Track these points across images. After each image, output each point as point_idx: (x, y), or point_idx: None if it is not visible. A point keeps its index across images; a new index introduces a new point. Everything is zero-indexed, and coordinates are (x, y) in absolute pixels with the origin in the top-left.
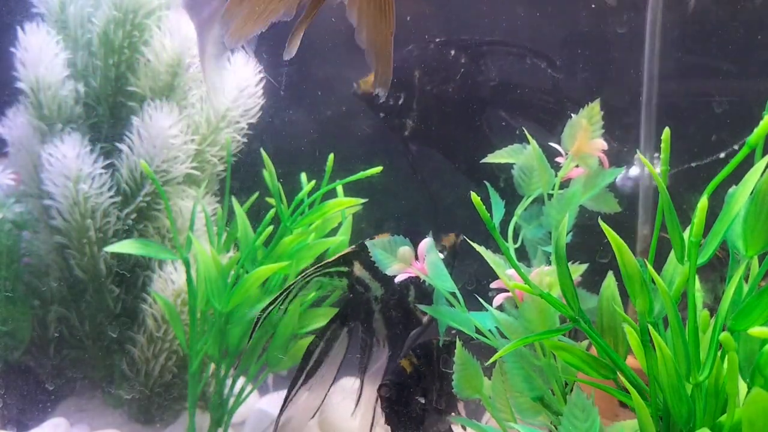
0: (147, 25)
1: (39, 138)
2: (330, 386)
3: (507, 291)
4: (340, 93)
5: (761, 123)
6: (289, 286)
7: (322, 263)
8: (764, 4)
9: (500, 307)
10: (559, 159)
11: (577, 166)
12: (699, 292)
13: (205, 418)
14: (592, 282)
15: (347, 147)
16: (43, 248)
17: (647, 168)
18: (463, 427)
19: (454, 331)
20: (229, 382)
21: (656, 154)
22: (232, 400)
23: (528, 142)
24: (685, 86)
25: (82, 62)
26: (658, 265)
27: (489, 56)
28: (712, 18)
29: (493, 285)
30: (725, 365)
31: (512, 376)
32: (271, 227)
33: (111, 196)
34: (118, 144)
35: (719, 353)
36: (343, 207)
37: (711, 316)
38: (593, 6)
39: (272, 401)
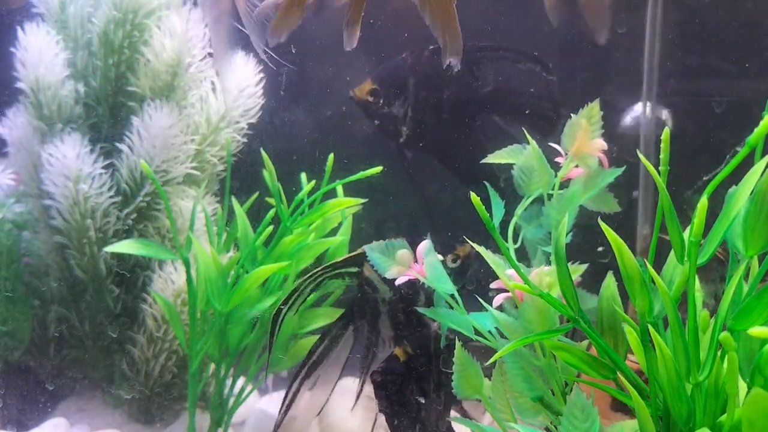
0: (147, 25)
1: (39, 138)
2: (335, 385)
3: (507, 291)
4: (340, 93)
5: (761, 123)
6: (299, 285)
7: (333, 263)
8: (764, 4)
9: (500, 308)
10: (558, 159)
11: (576, 166)
12: (699, 292)
13: (205, 418)
14: (592, 282)
15: (347, 147)
16: (43, 248)
17: (647, 168)
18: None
19: (452, 336)
20: (229, 382)
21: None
22: (232, 400)
23: (527, 143)
24: (685, 86)
25: (82, 62)
26: (658, 265)
27: (483, 62)
28: (712, 18)
29: (493, 285)
30: (725, 365)
31: (512, 376)
32: (271, 227)
33: (111, 196)
34: (118, 144)
35: (719, 353)
36: (343, 207)
37: (711, 316)
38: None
39: (272, 401)
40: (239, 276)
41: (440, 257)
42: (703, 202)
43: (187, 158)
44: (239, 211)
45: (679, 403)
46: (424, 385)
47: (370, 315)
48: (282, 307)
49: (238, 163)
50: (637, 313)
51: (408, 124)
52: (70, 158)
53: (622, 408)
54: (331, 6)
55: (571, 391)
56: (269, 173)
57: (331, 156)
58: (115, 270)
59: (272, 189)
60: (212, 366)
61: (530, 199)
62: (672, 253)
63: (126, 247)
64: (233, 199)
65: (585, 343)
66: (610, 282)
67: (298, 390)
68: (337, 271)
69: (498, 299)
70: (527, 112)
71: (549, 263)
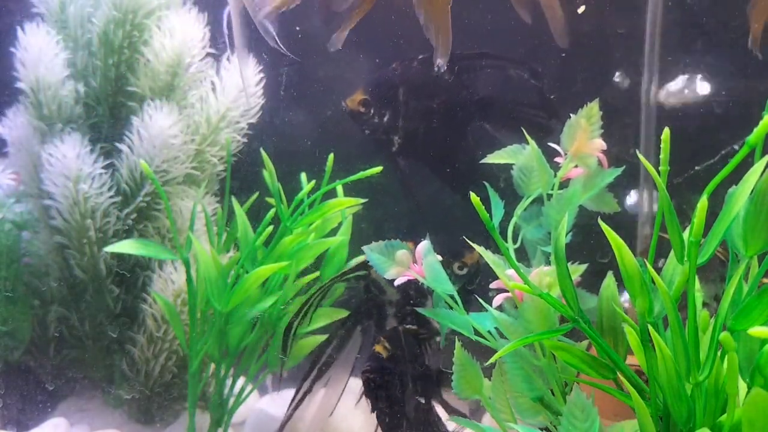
0: (147, 25)
1: (39, 138)
2: (345, 385)
3: (507, 291)
4: (341, 93)
5: (761, 123)
6: (310, 298)
7: (343, 272)
8: None
9: (500, 308)
10: (558, 159)
11: (576, 166)
12: (699, 292)
13: (205, 418)
14: (592, 282)
15: (347, 147)
16: (43, 248)
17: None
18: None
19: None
20: (229, 382)
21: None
22: (232, 400)
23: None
24: (685, 86)
25: (82, 62)
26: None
27: (472, 69)
28: (712, 18)
29: (493, 285)
30: (725, 365)
31: (512, 376)
32: (271, 227)
33: (111, 196)
34: (118, 144)
35: (719, 353)
36: (343, 207)
37: (711, 316)
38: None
39: (272, 401)
40: (239, 276)
41: (438, 258)
42: (703, 202)
43: (187, 158)
44: (239, 211)
45: (679, 403)
46: (405, 380)
47: (377, 316)
48: (293, 320)
49: (238, 163)
50: (637, 313)
51: (399, 133)
52: (70, 158)
53: None
54: (337, 9)
55: (571, 391)
56: (269, 173)
57: (331, 156)
58: (115, 270)
59: (272, 189)
60: (212, 366)
61: (530, 199)
62: (672, 253)
63: (126, 247)
64: (233, 199)
65: (585, 343)
66: (610, 282)
67: (309, 390)
68: (345, 277)
69: (498, 299)
70: (517, 118)
71: (549, 263)
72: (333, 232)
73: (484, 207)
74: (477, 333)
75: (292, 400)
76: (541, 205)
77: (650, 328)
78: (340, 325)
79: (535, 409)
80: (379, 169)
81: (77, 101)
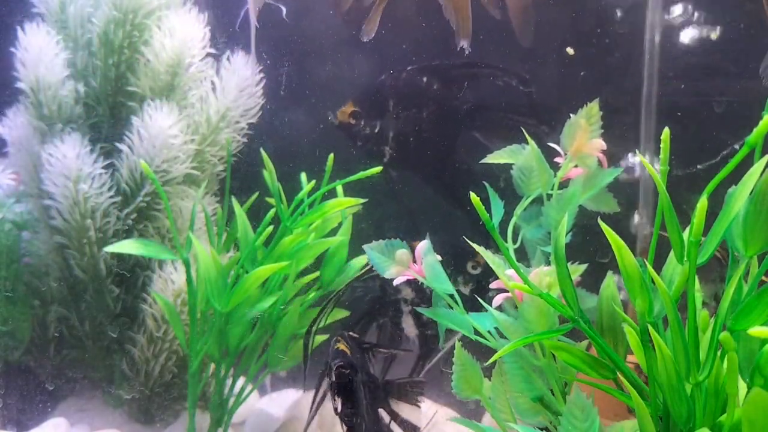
0: (147, 25)
1: (39, 138)
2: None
3: (507, 291)
4: (341, 93)
5: (760, 123)
6: (326, 306)
7: (367, 269)
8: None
9: (500, 308)
10: (558, 159)
11: (576, 166)
12: (699, 292)
13: (205, 418)
14: (592, 282)
15: (347, 147)
16: (43, 248)
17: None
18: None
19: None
20: (229, 382)
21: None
22: (232, 400)
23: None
24: (685, 86)
25: (82, 62)
26: (658, 265)
27: (461, 79)
28: (712, 18)
29: (493, 285)
30: (725, 365)
31: (512, 376)
32: (271, 227)
33: (111, 196)
34: (118, 144)
35: (719, 353)
36: (343, 207)
37: (711, 316)
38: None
39: (272, 401)
40: (239, 276)
41: (438, 258)
42: (702, 202)
43: (187, 158)
44: (239, 211)
45: (679, 403)
46: (367, 374)
47: (392, 312)
48: (311, 327)
49: (238, 163)
50: (637, 313)
51: (390, 143)
52: (70, 158)
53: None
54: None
55: (570, 391)
56: (269, 173)
57: (331, 156)
58: (115, 270)
59: (272, 189)
60: (212, 366)
61: (529, 199)
62: (672, 253)
63: (126, 247)
64: (233, 199)
65: (585, 343)
66: (610, 282)
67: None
68: (364, 276)
69: (498, 299)
70: (506, 126)
71: (548, 263)
72: (333, 232)
73: (482, 208)
74: (477, 333)
75: (314, 399)
76: (541, 205)
77: (650, 328)
78: (354, 323)
79: (535, 409)
80: (378, 169)
81: (77, 101)
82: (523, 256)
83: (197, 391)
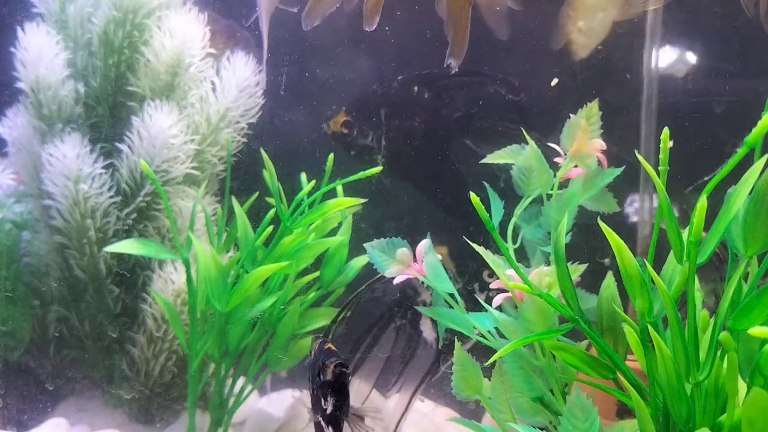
0: (147, 25)
1: (39, 138)
2: (375, 381)
3: (506, 291)
4: (341, 93)
5: (759, 123)
6: (347, 305)
7: (378, 277)
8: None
9: (500, 308)
10: (557, 159)
11: (575, 166)
12: (698, 292)
13: (205, 418)
14: (592, 282)
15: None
16: (43, 248)
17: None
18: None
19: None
20: (229, 382)
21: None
22: (232, 400)
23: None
24: (685, 86)
25: (82, 62)
26: (658, 265)
27: (451, 87)
28: (712, 18)
29: (493, 285)
30: (725, 365)
31: (512, 376)
32: (271, 227)
33: (111, 196)
34: (118, 144)
35: (719, 353)
36: (343, 207)
37: (711, 315)
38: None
39: (272, 401)
40: (239, 276)
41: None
42: (702, 202)
43: (187, 158)
44: (239, 211)
45: (679, 403)
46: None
47: (411, 315)
48: (333, 323)
49: (238, 163)
50: (636, 313)
51: (383, 152)
52: (70, 158)
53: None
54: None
55: (570, 391)
56: (269, 173)
57: (331, 156)
58: (115, 270)
59: (272, 189)
60: (212, 366)
61: (529, 200)
62: (671, 252)
63: (126, 247)
64: (233, 199)
65: (585, 343)
66: (610, 282)
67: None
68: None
69: (498, 299)
70: (497, 133)
71: (548, 263)
72: (333, 232)
73: (482, 208)
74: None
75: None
76: (541, 205)
77: (650, 328)
78: (373, 323)
79: (534, 409)
80: (379, 169)
81: (77, 101)
82: (523, 256)
83: (197, 391)
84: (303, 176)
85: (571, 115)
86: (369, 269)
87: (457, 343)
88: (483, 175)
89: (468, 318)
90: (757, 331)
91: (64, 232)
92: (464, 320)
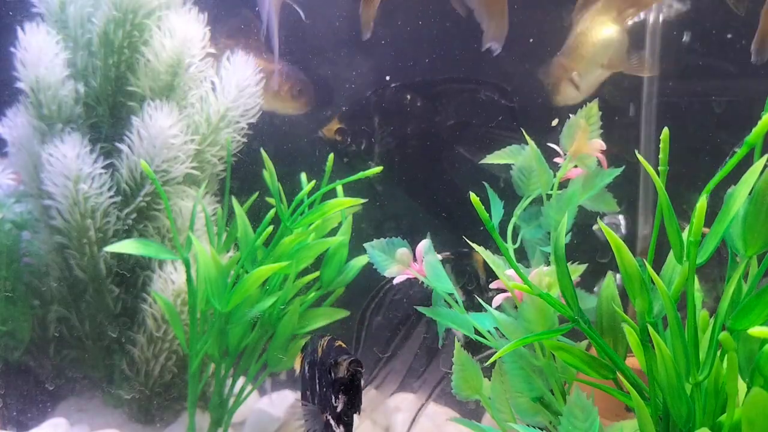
0: (147, 25)
1: (39, 138)
2: (403, 377)
3: (506, 291)
4: (341, 93)
5: (759, 123)
6: (380, 290)
7: None
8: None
9: (499, 308)
10: (557, 159)
11: (575, 166)
12: (698, 292)
13: (205, 418)
14: (593, 282)
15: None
16: (43, 248)
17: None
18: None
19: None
20: (229, 382)
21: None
22: (232, 400)
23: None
24: (685, 86)
25: (82, 62)
26: (658, 266)
27: (444, 94)
28: (712, 18)
29: (493, 285)
30: (725, 365)
31: (512, 376)
32: (271, 227)
33: (111, 196)
34: (118, 144)
35: (719, 353)
36: (343, 207)
37: (710, 315)
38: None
39: (272, 401)
40: (239, 276)
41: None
42: (702, 202)
43: (187, 158)
44: (239, 211)
45: (679, 403)
46: None
47: None
48: (365, 314)
49: (238, 163)
50: (636, 313)
51: (375, 159)
52: (70, 158)
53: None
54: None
55: (570, 391)
56: (269, 173)
57: (331, 156)
58: (115, 270)
59: (272, 189)
60: (212, 366)
61: (529, 200)
62: (671, 252)
63: (126, 247)
64: (233, 199)
65: (585, 343)
66: (610, 282)
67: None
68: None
69: (497, 299)
70: (489, 140)
71: (548, 263)
72: (333, 232)
73: (482, 208)
74: (477, 332)
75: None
76: (541, 205)
77: (650, 328)
78: (403, 320)
79: (534, 409)
80: (379, 169)
81: (77, 101)
82: (523, 256)
83: (197, 391)
84: (303, 176)
85: (570, 115)
86: (369, 269)
87: (457, 344)
88: (477, 180)
89: (468, 318)
90: (757, 331)
91: (64, 232)
92: (464, 320)
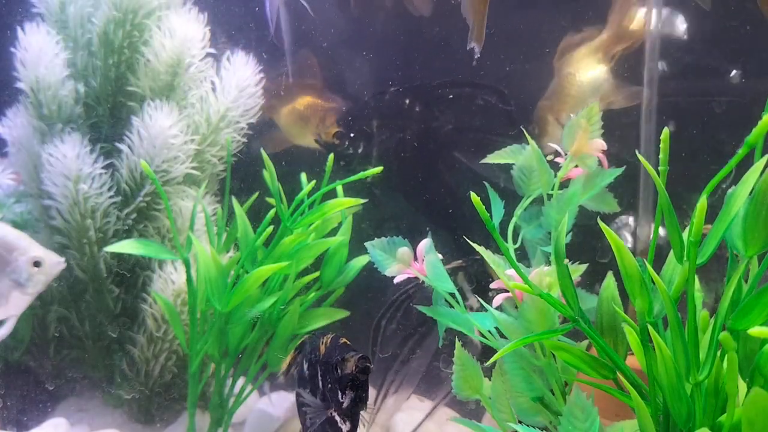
0: (147, 25)
1: (39, 138)
2: (419, 378)
3: (507, 291)
4: (341, 93)
5: (760, 123)
6: (396, 299)
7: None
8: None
9: (500, 308)
10: (558, 159)
11: (576, 166)
12: (699, 292)
13: (205, 418)
14: (593, 282)
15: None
16: None
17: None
18: None
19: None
20: (229, 382)
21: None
22: (232, 400)
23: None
24: (685, 86)
25: (82, 62)
26: (658, 266)
27: (441, 98)
28: (712, 18)
29: (493, 285)
30: (725, 365)
31: (512, 376)
32: (271, 227)
33: (111, 196)
34: (118, 144)
35: (719, 353)
36: (343, 207)
37: (710, 315)
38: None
39: (272, 401)
40: (239, 276)
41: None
42: (702, 202)
43: (187, 158)
44: (239, 211)
45: (679, 403)
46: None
47: None
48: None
49: (238, 163)
50: (636, 313)
51: (373, 162)
52: (70, 158)
53: None
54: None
55: (570, 391)
56: (269, 173)
57: (331, 156)
58: (115, 270)
59: (272, 189)
60: (212, 366)
61: (530, 200)
62: (672, 252)
63: (126, 247)
64: (233, 199)
65: (585, 343)
66: (610, 282)
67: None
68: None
69: (498, 299)
70: (486, 144)
71: (548, 263)
72: (333, 233)
73: (483, 208)
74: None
75: (377, 394)
76: (541, 205)
77: (650, 328)
78: (421, 322)
79: (534, 409)
80: (379, 169)
81: (77, 101)
82: (523, 256)
83: (197, 391)
84: (303, 176)
85: (571, 115)
86: (370, 269)
87: (457, 343)
88: (476, 183)
89: (468, 318)
90: (757, 331)
91: (64, 232)
92: (464, 320)
